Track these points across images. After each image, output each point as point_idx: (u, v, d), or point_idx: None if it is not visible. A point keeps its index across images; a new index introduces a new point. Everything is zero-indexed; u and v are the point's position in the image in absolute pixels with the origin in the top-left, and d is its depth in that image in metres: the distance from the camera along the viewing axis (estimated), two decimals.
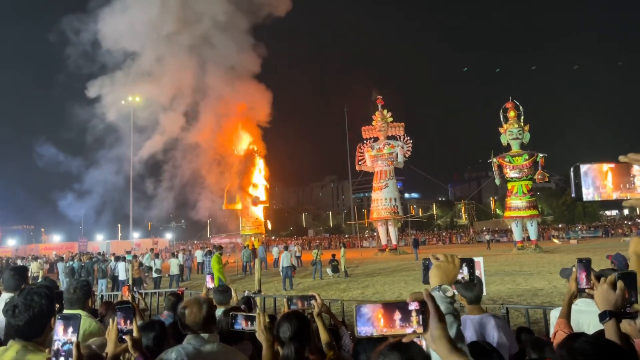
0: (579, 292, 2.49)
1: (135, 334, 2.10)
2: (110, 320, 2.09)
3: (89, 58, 40.91)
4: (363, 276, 18.95)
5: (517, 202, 29.43)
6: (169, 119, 38.57)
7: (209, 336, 2.38)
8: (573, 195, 1.12)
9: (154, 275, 19.08)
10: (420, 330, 1.11)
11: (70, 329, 1.69)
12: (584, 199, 1.12)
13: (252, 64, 37.39)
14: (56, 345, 1.68)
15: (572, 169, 1.11)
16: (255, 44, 38.70)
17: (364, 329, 1.11)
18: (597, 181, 1.09)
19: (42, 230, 62.02)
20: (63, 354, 1.67)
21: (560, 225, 59.15)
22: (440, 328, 1.13)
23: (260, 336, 2.31)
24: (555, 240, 41.03)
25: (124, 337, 2.08)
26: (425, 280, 1.48)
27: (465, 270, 1.51)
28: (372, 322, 1.11)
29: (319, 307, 3.04)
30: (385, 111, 35.74)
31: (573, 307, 2.58)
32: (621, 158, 1.08)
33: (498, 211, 68.89)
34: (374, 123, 35.72)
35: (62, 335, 1.68)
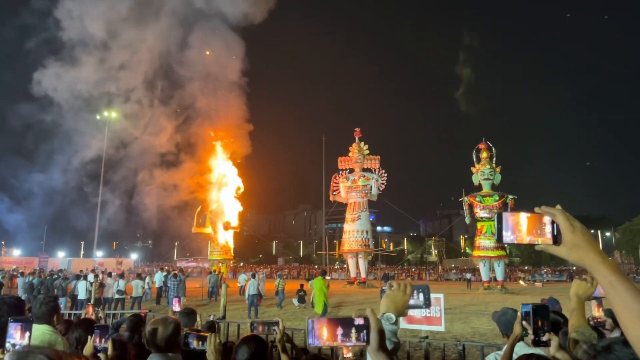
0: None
1: (110, 352, 2.17)
2: (89, 337, 2.15)
3: (43, 50, 39.14)
4: (331, 307, 18.88)
5: (486, 242, 29.95)
6: (142, 133, 38.14)
7: (173, 355, 2.43)
8: (496, 238, 1.30)
9: (116, 296, 18.55)
10: (359, 343, 1.26)
11: (27, 334, 1.74)
12: (504, 242, 1.30)
13: (230, 85, 37.55)
14: (9, 346, 1.72)
15: (495, 216, 1.30)
16: (233, 67, 38.97)
17: (312, 341, 1.26)
18: (514, 227, 1.28)
19: (2, 242, 59.76)
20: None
21: (526, 267, 60.22)
22: (379, 340, 1.27)
23: (210, 356, 2.37)
24: (522, 282, 41.69)
25: (99, 354, 2.15)
26: None
27: (420, 296, 1.64)
28: (318, 335, 1.26)
29: (280, 333, 3.12)
30: (362, 143, 36.30)
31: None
32: (536, 209, 1.27)
33: (467, 249, 69.78)
34: (350, 154, 36.18)
35: (17, 338, 1.73)
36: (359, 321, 1.27)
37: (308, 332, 1.27)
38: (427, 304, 1.66)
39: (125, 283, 18.66)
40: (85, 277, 18.37)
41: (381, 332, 1.29)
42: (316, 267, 60.86)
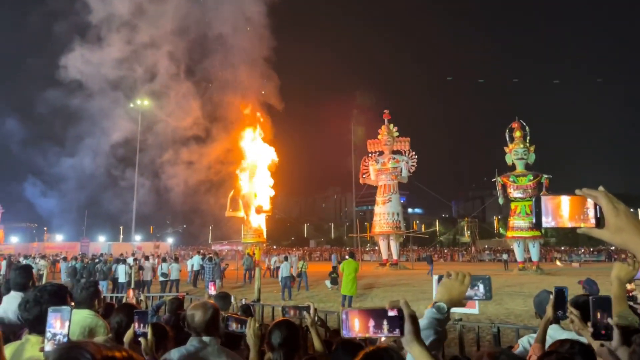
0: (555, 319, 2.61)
1: (149, 337, 2.26)
2: (130, 322, 2.25)
3: (70, 35, 38.99)
4: (362, 289, 18.96)
5: (520, 222, 29.40)
6: (175, 119, 38.57)
7: (210, 339, 2.51)
8: (534, 222, 1.26)
9: (160, 278, 19.19)
10: (392, 335, 1.25)
11: (67, 323, 1.81)
12: (543, 226, 1.26)
13: (261, 66, 37.40)
14: (49, 335, 1.80)
15: (534, 201, 1.26)
16: (264, 49, 38.79)
17: (346, 332, 1.27)
18: (555, 211, 1.23)
19: (45, 229, 62.35)
20: (55, 343, 1.80)
21: (563, 248, 58.85)
22: (413, 332, 1.26)
23: (249, 339, 2.43)
24: (558, 263, 40.84)
25: (139, 339, 2.24)
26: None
27: (480, 287, 1.59)
28: (350, 327, 1.26)
29: (311, 317, 3.16)
30: (391, 125, 35.93)
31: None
32: (577, 192, 1.22)
33: (501, 230, 68.67)
34: (379, 137, 35.90)
35: (57, 327, 1.80)
36: (393, 312, 1.26)
37: (342, 324, 1.27)
38: (489, 295, 1.60)
39: (168, 266, 19.28)
40: (124, 261, 19.05)
41: (415, 324, 1.28)
42: (347, 249, 61.16)
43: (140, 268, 18.95)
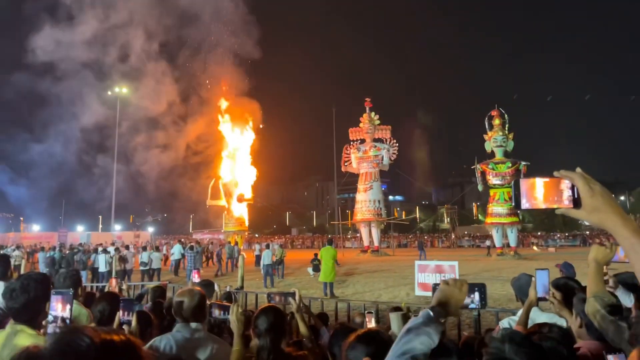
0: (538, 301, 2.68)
1: (134, 325, 2.26)
2: (114, 310, 2.26)
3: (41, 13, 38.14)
4: (344, 276, 19.14)
5: (499, 208, 29.94)
6: (153, 105, 37.84)
7: (197, 325, 2.52)
8: (513, 204, 1.28)
9: (141, 268, 19.06)
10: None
11: (68, 306, 1.82)
12: (522, 208, 1.28)
13: (239, 54, 36.90)
14: (51, 318, 1.80)
15: (512, 183, 1.28)
16: (246, 40, 38.40)
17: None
18: (532, 193, 1.26)
19: (21, 219, 61.08)
20: (56, 327, 1.81)
21: (539, 233, 60.15)
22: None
23: (233, 325, 2.44)
24: (535, 248, 41.74)
25: (123, 326, 2.25)
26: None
27: (476, 295, 1.56)
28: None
29: (296, 303, 3.19)
30: (372, 113, 35.99)
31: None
32: (555, 173, 1.25)
33: (480, 217, 69.77)
34: (361, 125, 35.96)
35: (59, 310, 1.81)
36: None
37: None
38: (484, 304, 1.55)
39: (148, 255, 19.14)
40: (106, 251, 18.86)
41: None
42: (329, 236, 61.47)
43: (123, 258, 18.77)
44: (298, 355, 2.60)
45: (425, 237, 61.23)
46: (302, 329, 3.20)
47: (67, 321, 1.81)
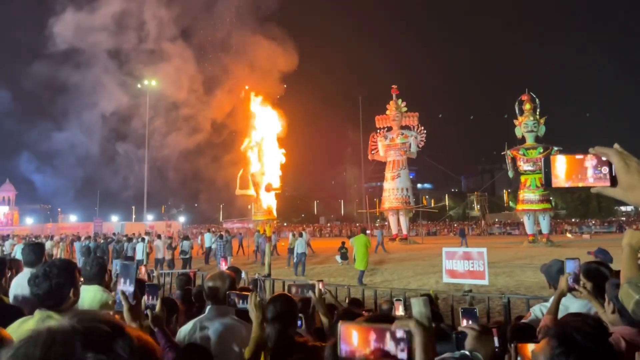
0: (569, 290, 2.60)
1: (157, 309, 2.30)
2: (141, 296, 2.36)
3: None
4: (372, 264, 19.11)
5: (530, 195, 29.21)
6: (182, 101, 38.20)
7: (228, 308, 2.62)
8: (543, 182, 1.22)
9: (181, 256, 19.53)
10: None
11: (128, 280, 2.06)
12: (553, 186, 1.22)
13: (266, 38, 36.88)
14: (118, 290, 2.05)
15: (543, 160, 1.22)
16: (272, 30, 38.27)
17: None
18: (565, 170, 1.19)
19: (59, 210, 63.26)
20: (118, 300, 2.04)
21: (573, 220, 58.62)
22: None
23: (251, 313, 2.47)
24: (568, 235, 40.73)
25: (147, 310, 2.29)
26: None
27: (495, 339, 1.59)
28: (347, 341, 1.14)
29: (315, 295, 3.20)
30: (399, 101, 35.56)
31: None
32: (590, 150, 1.17)
33: (511, 204, 68.44)
34: (387, 112, 35.58)
35: (122, 284, 2.06)
36: (400, 334, 1.10)
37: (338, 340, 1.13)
38: (498, 346, 1.61)
39: (189, 244, 19.61)
40: (143, 240, 19.49)
41: (427, 352, 1.15)
42: (357, 225, 61.44)
43: (155, 247, 19.27)
44: (309, 344, 2.60)
45: (455, 225, 60.53)
46: (323, 319, 3.21)
47: (132, 295, 2.04)
